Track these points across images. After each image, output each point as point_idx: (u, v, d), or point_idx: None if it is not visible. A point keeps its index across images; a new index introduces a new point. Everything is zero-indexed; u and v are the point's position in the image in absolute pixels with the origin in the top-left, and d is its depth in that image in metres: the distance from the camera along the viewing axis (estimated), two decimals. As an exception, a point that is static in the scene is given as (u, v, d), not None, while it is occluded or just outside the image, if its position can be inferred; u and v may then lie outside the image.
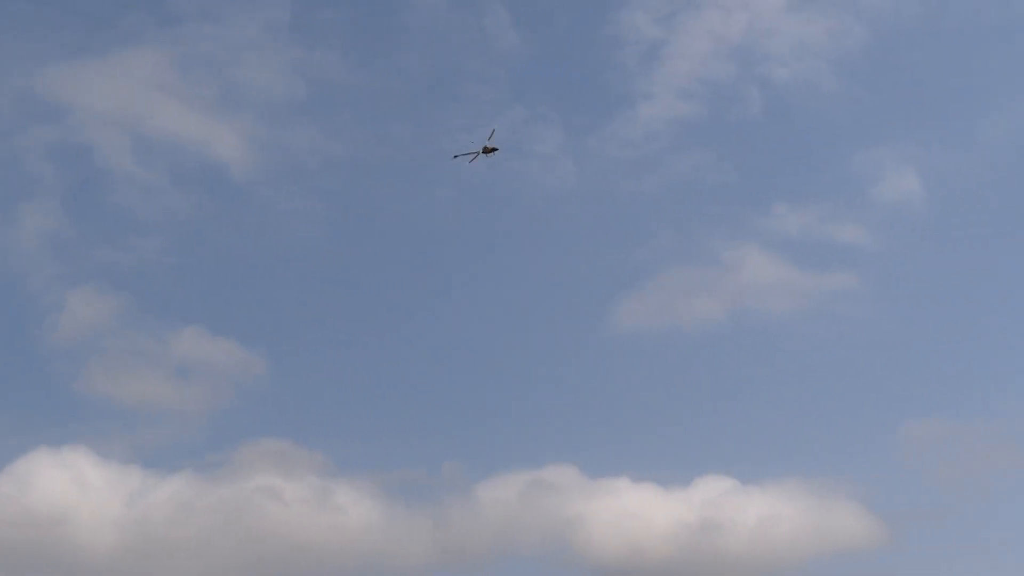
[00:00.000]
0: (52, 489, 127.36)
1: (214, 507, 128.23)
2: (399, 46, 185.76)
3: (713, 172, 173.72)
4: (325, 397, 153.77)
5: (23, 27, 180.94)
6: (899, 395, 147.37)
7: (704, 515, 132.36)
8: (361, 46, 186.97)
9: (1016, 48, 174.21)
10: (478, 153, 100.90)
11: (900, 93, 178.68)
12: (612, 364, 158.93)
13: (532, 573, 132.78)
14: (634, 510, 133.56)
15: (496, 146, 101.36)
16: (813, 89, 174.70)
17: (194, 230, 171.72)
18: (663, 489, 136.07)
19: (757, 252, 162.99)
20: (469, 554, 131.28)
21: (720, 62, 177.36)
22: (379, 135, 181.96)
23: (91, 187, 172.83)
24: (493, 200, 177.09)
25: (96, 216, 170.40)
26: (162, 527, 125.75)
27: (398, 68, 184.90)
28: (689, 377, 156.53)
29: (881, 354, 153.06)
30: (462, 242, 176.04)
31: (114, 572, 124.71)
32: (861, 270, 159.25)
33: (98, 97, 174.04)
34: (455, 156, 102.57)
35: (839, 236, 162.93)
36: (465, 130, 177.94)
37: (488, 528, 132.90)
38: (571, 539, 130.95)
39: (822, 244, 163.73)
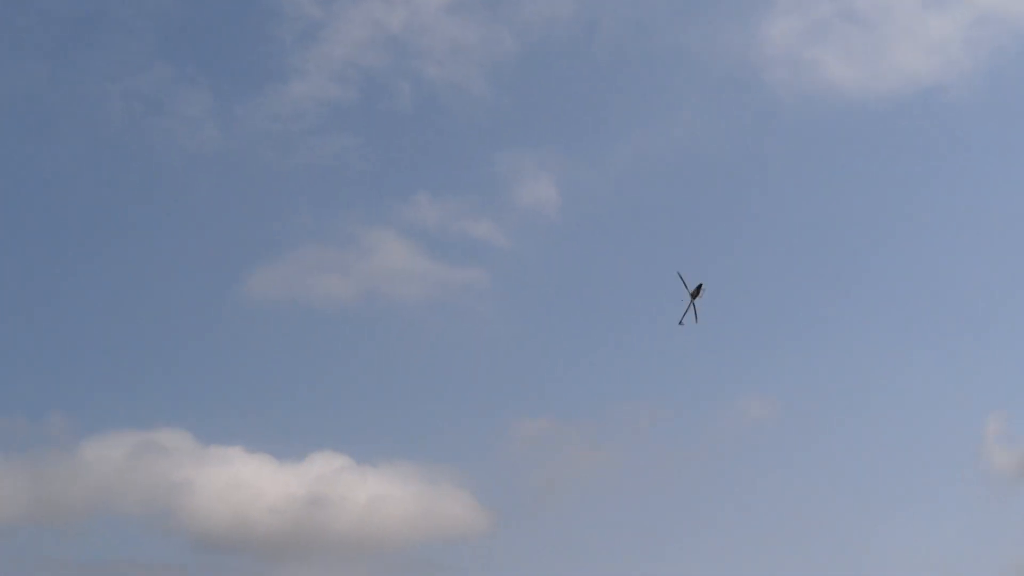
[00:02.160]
0: None
1: None
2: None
3: (358, 157, 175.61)
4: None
5: None
6: (513, 392, 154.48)
7: (315, 490, 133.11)
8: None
9: (652, 78, 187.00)
10: (692, 303, 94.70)
11: (543, 104, 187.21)
12: (239, 333, 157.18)
13: (130, 537, 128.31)
14: (245, 480, 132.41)
15: (700, 283, 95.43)
16: (462, 90, 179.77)
17: None
18: (277, 461, 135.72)
19: (393, 238, 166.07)
20: (67, 511, 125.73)
21: (376, 51, 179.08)
22: (12, 69, 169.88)
23: None
24: (130, 156, 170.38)
25: None
26: None
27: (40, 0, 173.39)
28: (314, 353, 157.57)
29: (500, 350, 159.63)
30: (93, 194, 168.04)
31: None
32: (491, 267, 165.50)
33: None
34: (680, 322, 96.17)
35: (474, 232, 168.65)
36: (108, 79, 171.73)
37: (90, 486, 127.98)
38: (176, 505, 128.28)
39: (457, 237, 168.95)
